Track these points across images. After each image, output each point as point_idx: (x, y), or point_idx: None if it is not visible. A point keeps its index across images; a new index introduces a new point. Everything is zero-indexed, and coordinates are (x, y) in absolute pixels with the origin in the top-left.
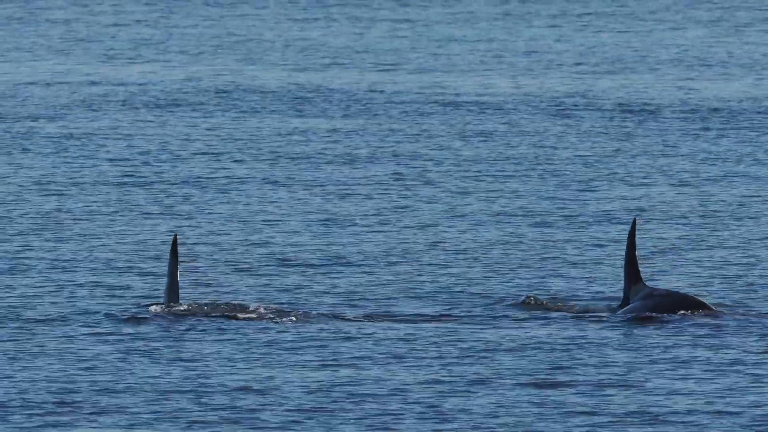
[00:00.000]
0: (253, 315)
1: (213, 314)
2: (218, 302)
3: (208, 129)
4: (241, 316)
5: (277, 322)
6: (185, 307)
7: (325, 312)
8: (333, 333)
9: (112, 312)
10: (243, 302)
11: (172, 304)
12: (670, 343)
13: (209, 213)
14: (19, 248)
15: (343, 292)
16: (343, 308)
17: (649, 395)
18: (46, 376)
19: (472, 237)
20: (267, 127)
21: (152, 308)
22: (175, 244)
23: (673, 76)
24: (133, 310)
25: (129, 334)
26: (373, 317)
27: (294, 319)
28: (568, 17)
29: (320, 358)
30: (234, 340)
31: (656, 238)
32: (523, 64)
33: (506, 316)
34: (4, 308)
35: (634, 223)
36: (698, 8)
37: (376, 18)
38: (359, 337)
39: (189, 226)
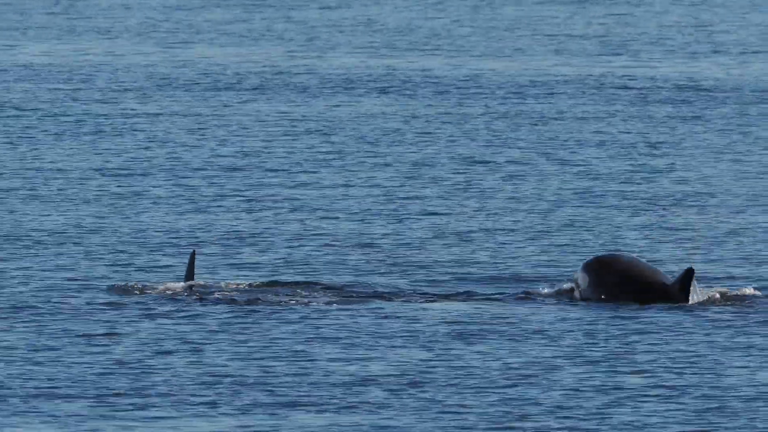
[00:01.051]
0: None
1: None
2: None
3: (268, 112)
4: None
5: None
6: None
7: (369, 291)
8: (378, 313)
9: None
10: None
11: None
12: (735, 328)
13: (272, 196)
14: (80, 225)
15: (396, 272)
16: (396, 288)
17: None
18: (95, 360)
19: (530, 219)
20: (327, 109)
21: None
22: (192, 260)
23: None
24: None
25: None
26: (417, 298)
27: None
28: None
29: (359, 339)
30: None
31: (714, 225)
32: (583, 46)
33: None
34: (51, 292)
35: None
36: None
37: (440, 1)
38: (400, 319)
39: (248, 209)
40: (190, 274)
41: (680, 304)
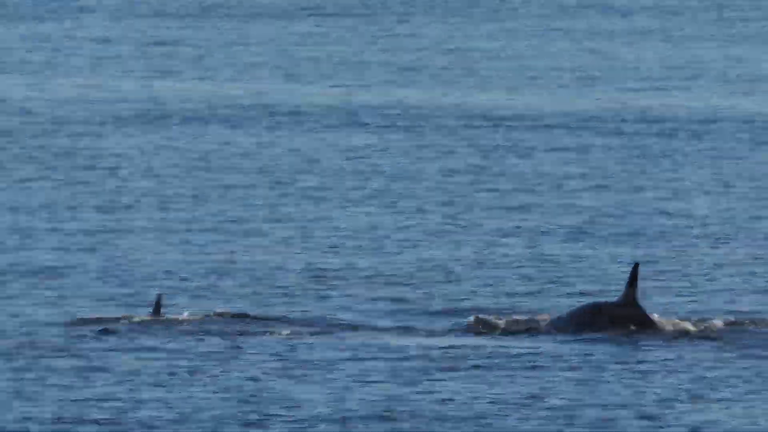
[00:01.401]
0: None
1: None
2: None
3: (238, 144)
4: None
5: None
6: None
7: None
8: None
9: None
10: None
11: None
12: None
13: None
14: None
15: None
16: (345, 321)
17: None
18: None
19: (477, 253)
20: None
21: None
22: (158, 304)
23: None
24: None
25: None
26: (377, 331)
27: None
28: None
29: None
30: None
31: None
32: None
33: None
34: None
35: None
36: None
37: (410, 33)
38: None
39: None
40: (155, 313)
41: (631, 304)
